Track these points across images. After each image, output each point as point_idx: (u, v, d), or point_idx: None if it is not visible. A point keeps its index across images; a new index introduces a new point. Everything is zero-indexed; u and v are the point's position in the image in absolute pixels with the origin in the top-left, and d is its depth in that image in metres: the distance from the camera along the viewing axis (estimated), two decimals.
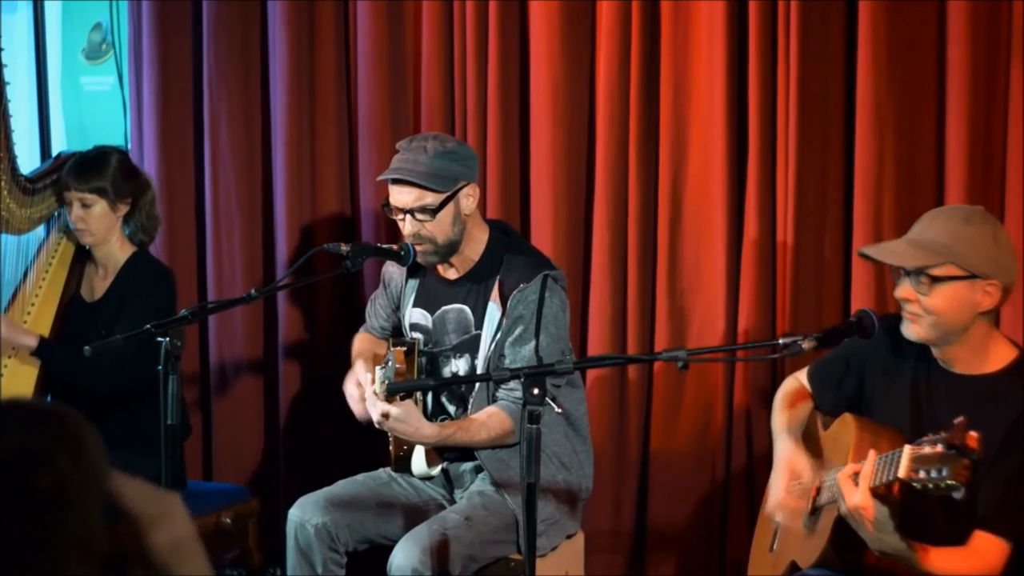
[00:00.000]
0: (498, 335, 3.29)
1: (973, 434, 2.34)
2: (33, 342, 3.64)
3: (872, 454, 2.57)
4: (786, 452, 2.94)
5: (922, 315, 2.70)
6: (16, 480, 1.58)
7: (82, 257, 3.86)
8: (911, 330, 2.74)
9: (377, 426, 3.22)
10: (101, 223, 3.75)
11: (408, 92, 4.19)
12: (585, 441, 3.46)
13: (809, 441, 2.99)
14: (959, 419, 2.37)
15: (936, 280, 2.67)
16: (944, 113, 3.51)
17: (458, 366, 3.40)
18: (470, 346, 3.37)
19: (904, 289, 2.71)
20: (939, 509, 2.66)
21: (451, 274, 3.43)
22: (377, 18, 4.16)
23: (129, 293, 3.73)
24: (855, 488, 2.56)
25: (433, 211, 3.28)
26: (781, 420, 3.03)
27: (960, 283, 2.66)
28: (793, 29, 3.63)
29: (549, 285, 3.29)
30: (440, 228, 3.31)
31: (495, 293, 3.32)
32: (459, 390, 3.41)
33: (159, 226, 3.91)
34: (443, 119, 4.09)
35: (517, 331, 3.27)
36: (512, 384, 3.27)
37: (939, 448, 2.37)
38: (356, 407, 3.38)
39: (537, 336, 3.25)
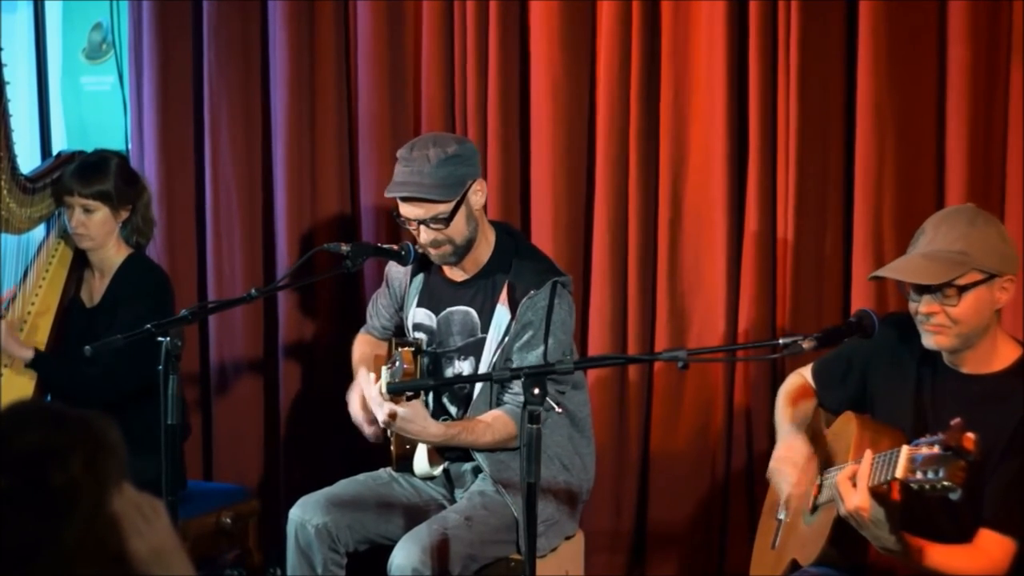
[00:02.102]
0: (505, 340, 3.29)
1: (970, 435, 2.34)
2: (29, 354, 3.64)
3: (868, 454, 2.57)
4: (787, 440, 2.93)
5: (949, 326, 2.67)
6: (30, 474, 1.60)
7: (81, 259, 3.85)
8: (936, 341, 2.71)
9: (383, 426, 3.22)
10: (102, 229, 3.74)
11: (408, 92, 4.19)
12: (589, 442, 3.46)
13: (813, 439, 2.98)
14: (955, 420, 2.37)
15: (963, 289, 2.65)
16: (944, 113, 3.51)
17: (462, 368, 3.40)
18: (475, 349, 3.37)
19: (929, 305, 2.67)
20: (942, 508, 2.66)
21: (458, 275, 3.42)
22: (377, 18, 4.16)
23: (123, 298, 3.72)
24: (854, 489, 2.56)
25: (446, 219, 3.28)
26: (785, 415, 3.03)
27: (982, 286, 2.66)
28: (793, 29, 3.63)
29: (558, 291, 3.29)
30: (456, 231, 3.30)
31: (504, 297, 3.32)
32: (461, 391, 3.41)
33: (154, 228, 3.91)
34: (443, 119, 4.09)
35: (526, 336, 3.27)
36: (516, 388, 3.27)
37: (936, 449, 2.37)
38: (366, 430, 3.38)
39: (546, 342, 3.24)
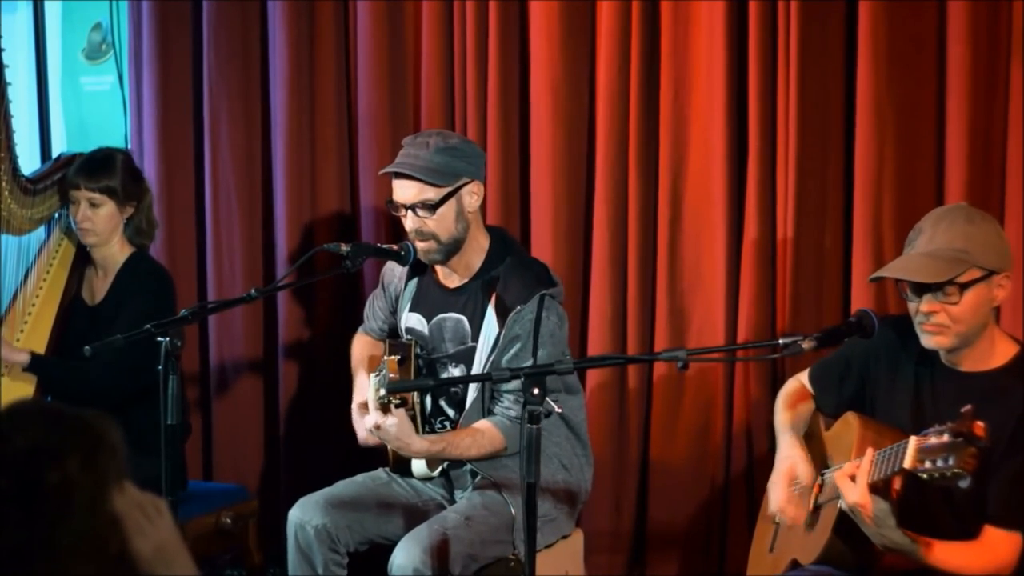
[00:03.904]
0: (494, 353, 3.29)
1: (980, 423, 2.34)
2: (25, 359, 3.62)
3: (870, 451, 2.58)
4: (786, 454, 2.93)
5: (949, 325, 2.67)
6: (26, 473, 1.61)
7: (82, 259, 3.86)
8: (935, 341, 2.71)
9: (369, 433, 3.23)
10: (107, 224, 3.75)
11: (408, 92, 4.19)
12: (585, 447, 3.46)
13: (812, 441, 2.98)
14: (966, 408, 2.37)
15: (965, 287, 2.65)
16: (944, 113, 3.51)
17: (454, 374, 3.40)
18: (466, 356, 3.37)
19: (930, 303, 2.67)
20: (943, 504, 2.66)
21: (452, 281, 3.42)
22: (377, 18, 4.16)
23: (127, 295, 3.73)
24: (853, 485, 2.56)
25: (433, 207, 3.28)
26: (783, 419, 3.03)
27: (981, 283, 2.67)
28: (793, 29, 3.63)
29: (546, 304, 3.28)
30: (442, 225, 3.30)
31: (493, 305, 3.32)
32: (457, 394, 3.41)
33: (156, 229, 3.91)
34: (443, 119, 4.09)
35: (514, 350, 3.26)
36: (507, 403, 3.27)
37: (945, 438, 2.37)
38: (361, 435, 3.39)
39: (534, 355, 3.23)
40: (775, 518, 3.02)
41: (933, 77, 3.53)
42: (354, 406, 3.44)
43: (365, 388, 3.39)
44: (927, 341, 2.72)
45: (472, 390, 3.34)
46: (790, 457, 2.91)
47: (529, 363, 3.22)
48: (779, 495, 2.89)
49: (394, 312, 3.56)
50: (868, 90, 3.55)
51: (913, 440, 2.43)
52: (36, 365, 3.65)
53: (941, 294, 2.66)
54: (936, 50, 3.52)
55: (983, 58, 3.45)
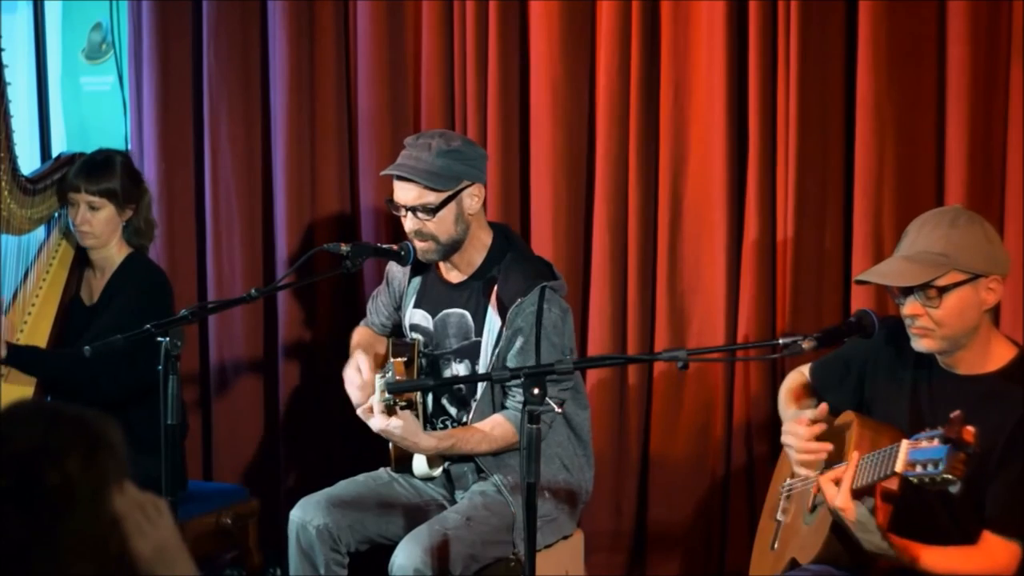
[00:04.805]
0: (498, 346, 3.29)
1: (970, 428, 2.34)
2: (2, 352, 3.58)
3: (855, 455, 2.58)
4: (791, 416, 2.92)
5: (933, 328, 2.68)
6: (25, 473, 1.60)
7: (82, 259, 3.86)
8: (923, 344, 2.71)
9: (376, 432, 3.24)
10: (106, 226, 3.75)
11: (408, 92, 4.19)
12: (586, 447, 3.46)
13: None
14: (955, 413, 2.37)
15: (943, 291, 2.65)
16: (944, 113, 3.51)
17: (458, 370, 3.40)
18: (471, 352, 3.37)
19: (912, 306, 2.68)
20: (942, 506, 2.66)
21: (454, 277, 3.43)
22: (377, 18, 4.16)
23: (118, 292, 3.73)
24: (836, 489, 2.57)
25: (433, 210, 3.28)
26: (789, 407, 3.03)
27: (965, 287, 2.66)
28: (793, 29, 3.63)
29: (547, 296, 3.28)
30: (441, 227, 3.30)
31: (493, 302, 3.32)
32: (460, 392, 3.41)
33: (155, 230, 3.91)
34: (443, 119, 4.09)
35: (518, 343, 3.26)
36: (519, 396, 3.26)
37: (935, 442, 2.37)
38: (354, 393, 3.38)
39: (538, 348, 3.24)
40: (777, 515, 3.03)
41: (933, 77, 3.53)
42: (349, 371, 3.41)
43: (363, 362, 3.39)
44: (915, 344, 2.73)
45: (479, 385, 3.34)
46: (795, 415, 2.88)
47: (534, 358, 3.22)
48: (796, 439, 2.82)
49: (398, 308, 3.57)
50: (868, 90, 3.55)
51: (904, 444, 2.44)
52: (14, 357, 3.58)
53: (923, 297, 2.66)
54: (936, 50, 3.52)
55: (983, 58, 3.45)
